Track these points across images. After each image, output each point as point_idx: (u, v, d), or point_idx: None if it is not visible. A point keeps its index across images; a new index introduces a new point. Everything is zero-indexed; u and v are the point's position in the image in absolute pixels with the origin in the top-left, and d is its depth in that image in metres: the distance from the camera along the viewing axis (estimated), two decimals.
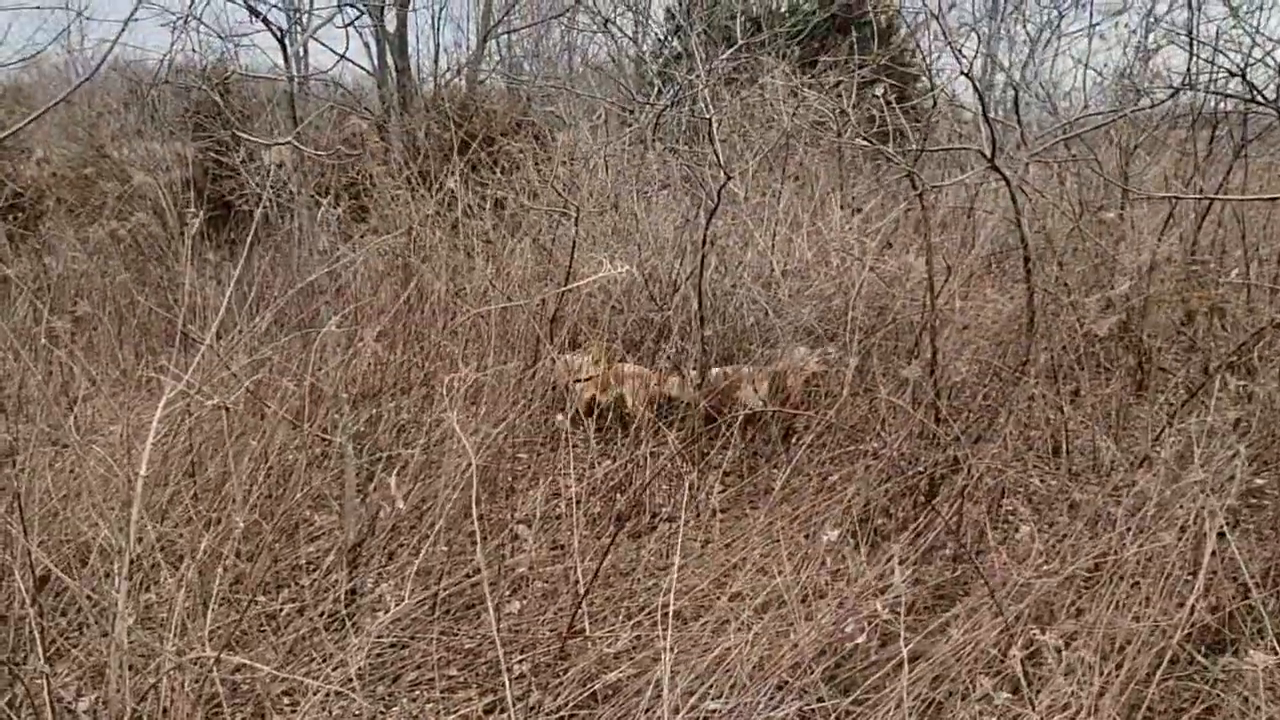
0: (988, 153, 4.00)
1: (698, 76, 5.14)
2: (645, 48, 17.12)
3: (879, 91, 6.43)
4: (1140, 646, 2.32)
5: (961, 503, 3.29)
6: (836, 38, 12.64)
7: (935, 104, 5.19)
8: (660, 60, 9.37)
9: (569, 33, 17.49)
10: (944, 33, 3.85)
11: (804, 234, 6.17)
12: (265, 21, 6.84)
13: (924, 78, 14.75)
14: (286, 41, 6.80)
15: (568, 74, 15.88)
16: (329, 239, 4.74)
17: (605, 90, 9.50)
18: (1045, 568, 2.87)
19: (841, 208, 6.34)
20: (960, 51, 3.82)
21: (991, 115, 4.73)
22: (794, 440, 4.85)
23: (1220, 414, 2.89)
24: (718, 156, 4.44)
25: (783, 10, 15.82)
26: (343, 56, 10.93)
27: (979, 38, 11.14)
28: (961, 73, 3.57)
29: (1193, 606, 2.26)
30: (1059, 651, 2.15)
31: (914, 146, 4.41)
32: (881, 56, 6.69)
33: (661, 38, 11.83)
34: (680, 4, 14.64)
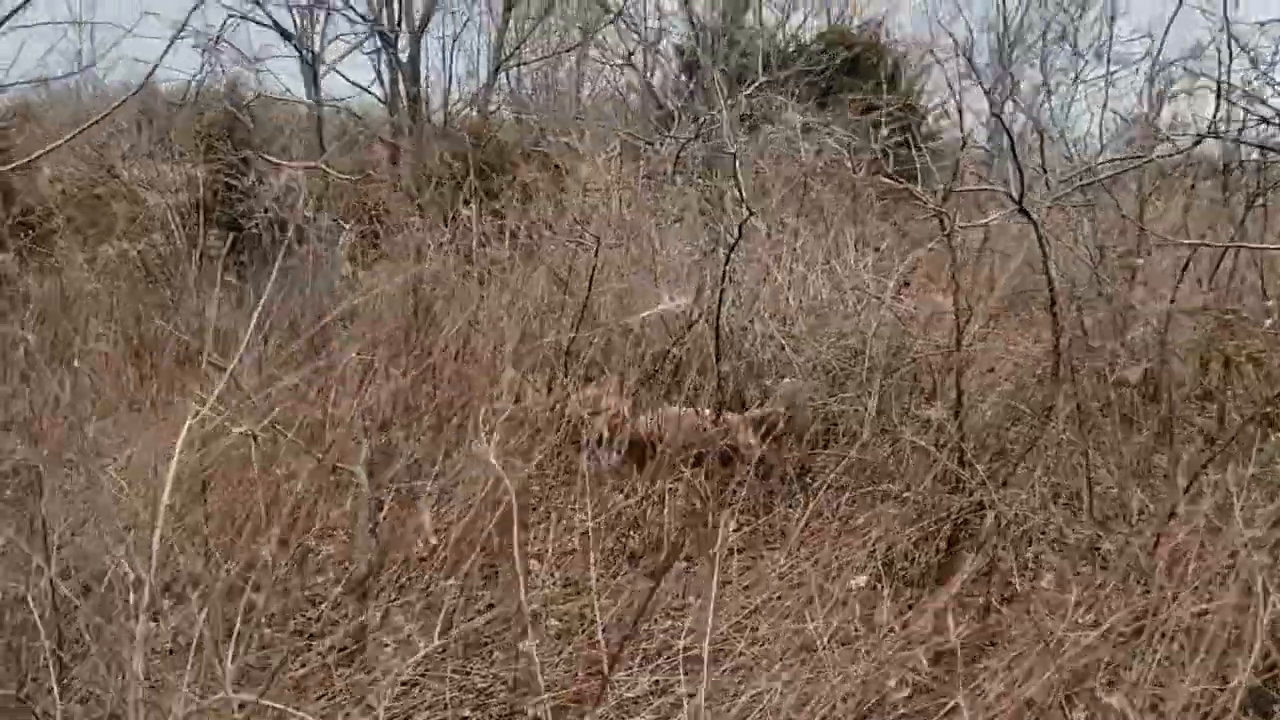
0: (1015, 195, 3.97)
1: (719, 111, 5.13)
2: (655, 82, 17.26)
3: (884, 133, 6.45)
4: (1189, 709, 2.24)
5: (995, 549, 3.21)
6: (845, 79, 12.73)
7: (964, 144, 5.18)
8: (677, 95, 9.40)
9: (579, 65, 17.64)
10: (975, 75, 3.84)
11: (818, 271, 6.14)
12: (297, 47, 6.85)
13: (929, 118, 14.88)
14: (317, 67, 6.80)
15: (576, 106, 16.00)
16: (350, 265, 4.70)
17: (618, 123, 9.53)
18: (1081, 620, 2.79)
19: (856, 247, 6.31)
20: (988, 93, 3.80)
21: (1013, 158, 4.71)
22: (808, 479, 4.78)
23: (1262, 466, 2.83)
24: (740, 191, 4.41)
25: (791, 50, 15.96)
26: (365, 89, 10.99)
27: (1012, 78, 11.16)
28: (992, 113, 3.55)
29: (1246, 669, 2.19)
30: (1125, 715, 2.07)
31: (934, 186, 4.38)
32: (899, 100, 6.70)
33: (675, 74, 11.92)
34: (697, 41, 14.79)
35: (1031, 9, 15.65)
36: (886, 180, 4.31)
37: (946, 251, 3.84)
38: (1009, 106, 9.63)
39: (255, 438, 2.39)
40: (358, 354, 3.46)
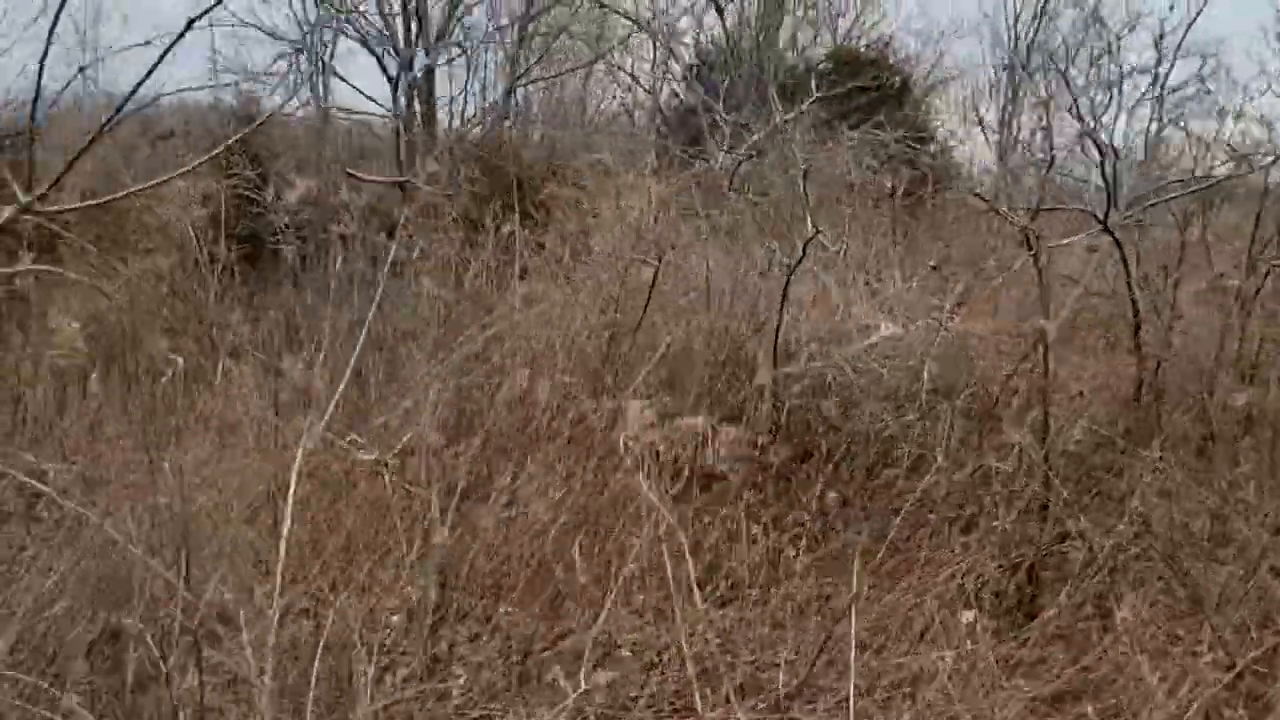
0: (1100, 214, 3.88)
1: (774, 127, 5.04)
2: (663, 99, 17.27)
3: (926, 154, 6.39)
4: None
5: (1091, 581, 3.09)
6: (858, 97, 12.72)
7: (1050, 165, 5.08)
8: (736, 109, 9.29)
9: (585, 84, 17.65)
10: (1071, 93, 3.74)
11: (861, 291, 6.02)
12: (380, 64, 6.77)
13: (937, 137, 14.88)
14: (400, 81, 6.72)
15: (589, 123, 15.98)
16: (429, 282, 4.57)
17: (644, 138, 9.44)
18: (1209, 661, 2.67)
19: (901, 266, 6.21)
20: (1071, 110, 3.72)
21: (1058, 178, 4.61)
22: (868, 505, 4.65)
23: None
24: (806, 204, 4.30)
25: (799, 69, 15.98)
26: (400, 117, 10.97)
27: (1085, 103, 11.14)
28: (1083, 133, 3.46)
29: None
30: None
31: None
32: (928, 116, 6.64)
33: (710, 88, 11.89)
34: (703, 62, 14.78)
35: (1067, 25, 15.73)
36: (975, 199, 4.20)
37: (1036, 270, 3.73)
38: (1059, 123, 9.61)
39: (386, 465, 2.26)
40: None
